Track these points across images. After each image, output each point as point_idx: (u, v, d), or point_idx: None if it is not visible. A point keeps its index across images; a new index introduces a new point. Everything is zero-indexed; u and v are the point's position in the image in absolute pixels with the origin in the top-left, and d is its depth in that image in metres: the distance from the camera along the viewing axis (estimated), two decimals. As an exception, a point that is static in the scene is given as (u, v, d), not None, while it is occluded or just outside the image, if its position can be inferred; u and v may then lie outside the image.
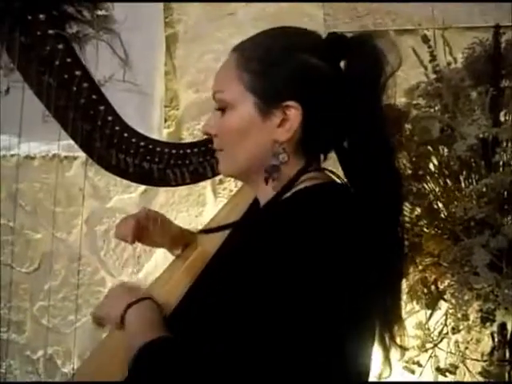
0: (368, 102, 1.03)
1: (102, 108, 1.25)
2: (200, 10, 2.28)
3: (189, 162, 1.33)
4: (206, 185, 2.25)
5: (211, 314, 0.98)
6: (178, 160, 1.32)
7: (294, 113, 1.01)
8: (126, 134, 1.28)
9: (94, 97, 1.24)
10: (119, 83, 2.26)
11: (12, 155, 2.34)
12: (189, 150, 1.33)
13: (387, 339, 1.04)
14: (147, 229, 1.27)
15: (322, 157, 1.10)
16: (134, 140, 1.29)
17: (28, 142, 2.28)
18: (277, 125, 1.01)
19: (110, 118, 1.25)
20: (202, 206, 2.26)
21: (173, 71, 2.29)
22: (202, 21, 2.26)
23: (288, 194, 1.02)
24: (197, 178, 1.34)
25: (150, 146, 1.31)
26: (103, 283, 2.37)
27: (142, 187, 2.28)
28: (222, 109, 1.04)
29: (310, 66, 1.01)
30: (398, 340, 1.05)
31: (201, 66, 2.25)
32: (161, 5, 2.28)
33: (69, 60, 1.21)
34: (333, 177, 1.08)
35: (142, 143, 1.30)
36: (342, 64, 1.07)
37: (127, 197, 2.33)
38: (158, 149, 1.31)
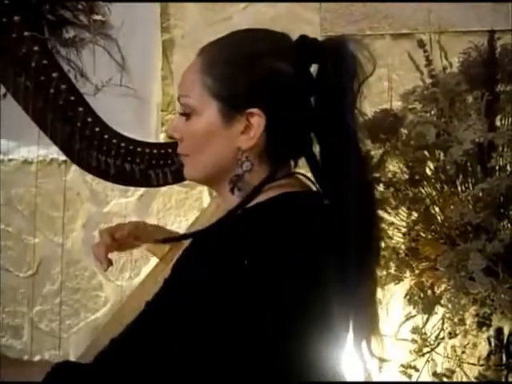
0: (339, 107, 1.00)
1: (80, 109, 1.24)
2: (197, 15, 2.28)
3: (171, 162, 1.30)
4: (203, 189, 2.25)
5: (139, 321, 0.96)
6: (160, 160, 1.30)
7: (257, 120, 0.98)
8: (106, 136, 1.27)
9: (72, 98, 1.23)
10: (116, 88, 2.28)
11: (10, 160, 2.35)
12: (170, 150, 1.29)
13: (364, 350, 1.02)
14: (128, 239, 1.26)
15: (292, 163, 1.06)
16: (114, 141, 1.27)
17: (25, 147, 2.28)
18: (240, 132, 0.99)
19: (89, 120, 1.25)
20: (199, 210, 2.26)
21: (170, 76, 2.29)
22: (198, 26, 2.27)
23: (250, 204, 1.00)
24: (179, 177, 1.28)
25: (131, 147, 1.29)
26: (101, 288, 2.37)
27: (140, 192, 2.29)
28: (187, 113, 1.02)
29: (274, 72, 0.98)
30: (375, 351, 1.02)
31: None
32: (158, 10, 2.28)
33: (45, 62, 1.21)
34: (305, 182, 1.06)
35: (123, 144, 1.28)
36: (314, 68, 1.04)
37: (125, 201, 2.33)
38: (139, 149, 1.30)
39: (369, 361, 1.03)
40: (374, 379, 1.07)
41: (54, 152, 2.26)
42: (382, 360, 1.06)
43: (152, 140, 2.16)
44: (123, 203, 2.33)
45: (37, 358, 2.37)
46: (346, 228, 0.97)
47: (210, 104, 1.00)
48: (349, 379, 1.02)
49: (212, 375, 0.90)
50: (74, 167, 2.31)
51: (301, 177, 1.06)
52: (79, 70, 2.21)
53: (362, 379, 1.07)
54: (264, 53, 1.00)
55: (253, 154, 1.00)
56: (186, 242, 1.17)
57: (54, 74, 1.22)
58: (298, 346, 0.93)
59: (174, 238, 1.19)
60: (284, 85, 0.99)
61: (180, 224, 2.25)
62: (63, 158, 2.30)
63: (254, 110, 0.98)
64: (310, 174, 1.06)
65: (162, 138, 2.27)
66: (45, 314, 2.39)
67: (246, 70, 0.99)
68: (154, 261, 2.27)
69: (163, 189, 2.23)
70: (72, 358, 2.23)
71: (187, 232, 1.21)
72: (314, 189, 1.04)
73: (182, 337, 0.90)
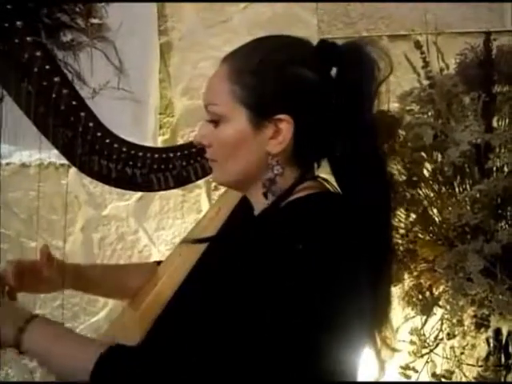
0: (359, 110, 1.03)
1: (82, 114, 1.24)
2: (194, 18, 2.28)
3: (172, 167, 1.32)
4: (201, 192, 2.25)
5: (206, 315, 0.99)
6: (161, 164, 1.32)
7: (285, 126, 1.02)
8: (107, 140, 1.27)
9: (74, 103, 1.24)
10: (114, 91, 2.26)
11: (7, 164, 2.35)
12: (171, 155, 1.32)
13: (378, 341, 1.06)
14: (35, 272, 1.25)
15: (315, 165, 1.11)
16: (115, 145, 1.28)
17: (23, 151, 2.28)
18: (269, 137, 1.03)
19: (91, 124, 1.25)
20: (197, 213, 2.26)
21: (167, 79, 2.29)
22: (196, 28, 2.27)
23: (282, 204, 1.03)
24: (180, 182, 1.34)
25: (133, 151, 1.30)
26: (99, 291, 2.37)
27: (138, 195, 2.29)
28: (215, 121, 1.05)
29: (300, 79, 1.02)
30: (388, 342, 1.07)
31: (195, 73, 2.25)
32: (155, 12, 2.29)
33: (47, 67, 1.21)
34: (326, 185, 1.09)
35: (124, 148, 1.29)
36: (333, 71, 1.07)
37: (123, 204, 2.33)
38: (141, 154, 1.31)
39: (382, 352, 1.07)
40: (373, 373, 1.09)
41: (52, 155, 2.26)
42: (394, 350, 1.08)
43: (149, 143, 2.16)
44: (121, 206, 2.33)
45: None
46: (366, 228, 1.00)
47: (238, 112, 1.03)
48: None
49: (256, 354, 0.90)
50: (72, 171, 2.31)
51: (322, 181, 1.10)
52: (76, 73, 2.20)
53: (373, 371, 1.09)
54: (289, 60, 1.03)
55: (282, 158, 1.04)
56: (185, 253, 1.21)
57: (56, 79, 1.22)
58: (342, 334, 0.94)
59: (205, 239, 1.20)
60: (309, 90, 1.03)
61: (178, 227, 2.25)
62: (61, 161, 2.30)
63: (283, 116, 1.02)
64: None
65: (159, 142, 2.27)
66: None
67: (273, 78, 1.02)
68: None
69: (161, 192, 2.23)
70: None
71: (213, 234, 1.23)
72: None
73: (242, 321, 0.91)
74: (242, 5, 2.26)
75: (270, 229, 0.98)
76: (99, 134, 1.27)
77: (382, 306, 1.07)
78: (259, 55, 1.04)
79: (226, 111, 1.04)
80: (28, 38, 1.21)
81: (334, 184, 1.08)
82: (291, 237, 0.94)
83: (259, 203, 1.07)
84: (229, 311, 0.94)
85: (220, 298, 0.98)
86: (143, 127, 2.25)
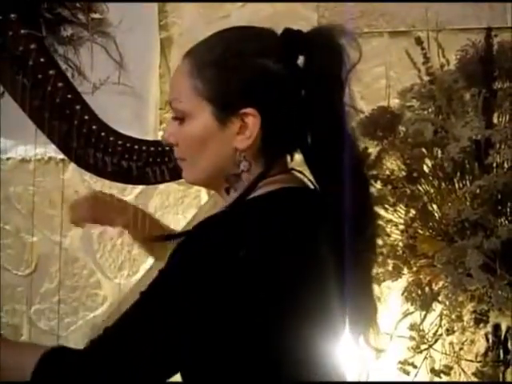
0: (328, 98, 1.00)
1: (78, 107, 1.24)
2: (194, 13, 2.28)
3: (168, 160, 1.30)
4: (201, 187, 2.25)
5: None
6: (157, 158, 1.30)
7: (251, 120, 0.98)
8: (103, 133, 1.27)
9: (69, 96, 1.23)
10: (114, 86, 2.27)
11: (7, 158, 2.35)
12: (167, 148, 1.28)
13: (360, 340, 1.03)
14: (103, 206, 1.25)
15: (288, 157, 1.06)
16: (111, 139, 1.27)
17: (23, 146, 2.28)
18: (236, 132, 0.99)
19: (86, 117, 1.24)
20: (197, 208, 2.25)
21: (168, 74, 2.29)
22: (196, 24, 2.27)
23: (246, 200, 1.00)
24: (177, 175, 1.28)
25: (128, 144, 1.29)
26: (99, 286, 2.37)
27: (138, 190, 2.28)
28: (180, 118, 1.02)
29: (264, 70, 0.98)
30: (372, 341, 1.04)
31: None
32: (155, 8, 2.29)
33: (42, 60, 1.20)
34: (300, 177, 1.05)
35: (120, 141, 1.28)
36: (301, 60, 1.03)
37: (123, 199, 2.33)
38: (136, 147, 1.29)
39: (365, 350, 1.04)
40: (371, 369, 1.08)
41: (52, 150, 2.26)
42: (378, 350, 1.05)
43: (150, 138, 2.16)
44: (121, 201, 2.33)
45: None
46: (341, 222, 0.97)
47: (202, 107, 0.99)
48: (346, 373, 1.03)
49: (205, 364, 0.92)
50: (72, 166, 2.31)
51: (297, 174, 1.06)
52: (77, 68, 2.20)
53: (357, 369, 1.08)
54: (252, 51, 0.99)
55: (250, 153, 1.00)
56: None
57: (51, 72, 1.21)
58: (293, 337, 0.93)
59: (172, 236, 1.19)
60: (275, 82, 0.99)
61: (178, 222, 2.25)
62: (61, 156, 2.30)
63: (248, 110, 0.98)
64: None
65: (159, 136, 2.27)
66: (43, 312, 2.39)
67: (236, 70, 0.98)
68: (151, 260, 2.29)
69: (161, 187, 2.24)
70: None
71: (183, 230, 1.21)
72: (311, 186, 1.04)
73: (176, 325, 0.91)
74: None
75: (218, 229, 0.95)
76: (95, 127, 1.26)
77: (363, 305, 1.03)
78: (220, 47, 1.00)
79: (189, 107, 0.99)
80: (22, 31, 1.20)
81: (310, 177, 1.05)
82: (236, 241, 0.92)
83: (227, 202, 1.03)
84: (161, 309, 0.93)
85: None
86: (143, 122, 2.25)
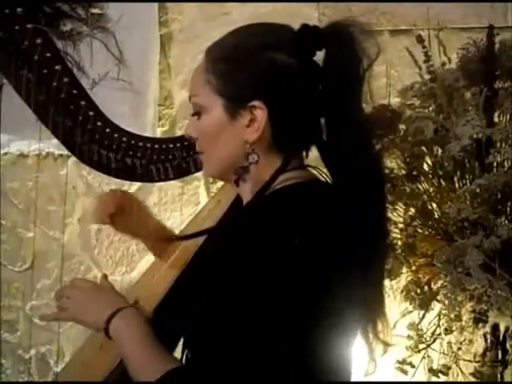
0: (345, 94, 1.01)
1: (82, 103, 1.23)
2: (195, 10, 2.28)
3: (172, 157, 1.30)
4: (200, 184, 2.25)
5: (199, 314, 0.98)
6: (161, 155, 1.30)
7: (259, 113, 1.00)
8: (107, 130, 1.26)
9: (74, 92, 1.22)
10: (113, 82, 2.26)
11: (5, 153, 2.34)
12: (172, 145, 1.30)
13: (370, 334, 1.04)
14: (123, 210, 1.25)
15: (304, 154, 1.08)
16: (116, 135, 1.26)
17: (21, 141, 2.28)
18: (245, 125, 1.01)
19: (91, 113, 1.23)
20: (195, 205, 2.25)
21: (167, 70, 2.29)
22: (196, 20, 2.26)
23: (267, 194, 1.01)
24: (180, 173, 1.31)
25: (133, 141, 1.28)
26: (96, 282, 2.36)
27: (136, 186, 2.27)
28: (198, 113, 1.05)
29: (273, 64, 1.00)
30: (381, 335, 1.04)
31: (195, 65, 2.18)
32: (156, 4, 2.28)
33: (48, 55, 1.19)
34: (316, 174, 1.06)
35: (124, 138, 1.27)
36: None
37: (121, 196, 2.32)
38: (141, 144, 1.29)
39: (374, 345, 1.04)
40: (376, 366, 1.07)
41: (50, 146, 2.25)
42: (386, 344, 1.06)
43: (148, 134, 2.15)
44: (119, 198, 2.32)
45: (32, 352, 2.37)
46: (356, 217, 0.97)
47: (215, 101, 1.02)
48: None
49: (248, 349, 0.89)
50: (71, 161, 2.30)
51: (312, 170, 1.07)
52: (76, 63, 2.19)
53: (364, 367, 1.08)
54: (261, 46, 1.01)
55: (260, 146, 1.02)
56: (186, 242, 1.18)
57: (57, 67, 1.20)
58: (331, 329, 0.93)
59: (195, 234, 1.18)
60: (284, 76, 1.00)
61: (176, 219, 2.25)
62: (59, 151, 2.30)
63: (256, 103, 1.00)
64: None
65: (158, 133, 2.27)
66: (40, 308, 2.38)
67: (245, 64, 1.01)
68: (148, 257, 2.28)
69: (159, 183, 2.23)
70: (67, 353, 2.24)
71: (204, 228, 1.21)
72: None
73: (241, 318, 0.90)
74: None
75: (254, 220, 0.97)
76: (99, 124, 1.25)
77: (375, 300, 1.05)
78: (232, 43, 1.04)
79: (204, 102, 1.03)
80: (28, 25, 1.19)
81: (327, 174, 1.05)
82: (274, 230, 0.92)
83: (245, 194, 1.06)
84: (220, 307, 0.93)
85: (211, 294, 0.97)
86: (142, 118, 2.24)
